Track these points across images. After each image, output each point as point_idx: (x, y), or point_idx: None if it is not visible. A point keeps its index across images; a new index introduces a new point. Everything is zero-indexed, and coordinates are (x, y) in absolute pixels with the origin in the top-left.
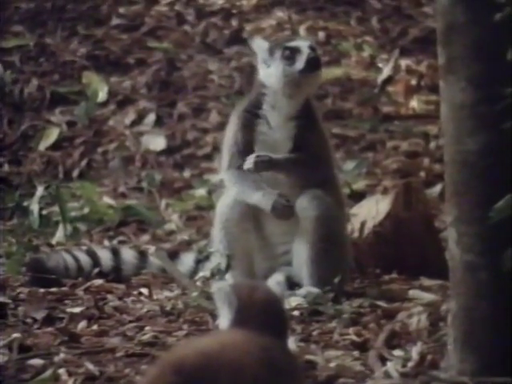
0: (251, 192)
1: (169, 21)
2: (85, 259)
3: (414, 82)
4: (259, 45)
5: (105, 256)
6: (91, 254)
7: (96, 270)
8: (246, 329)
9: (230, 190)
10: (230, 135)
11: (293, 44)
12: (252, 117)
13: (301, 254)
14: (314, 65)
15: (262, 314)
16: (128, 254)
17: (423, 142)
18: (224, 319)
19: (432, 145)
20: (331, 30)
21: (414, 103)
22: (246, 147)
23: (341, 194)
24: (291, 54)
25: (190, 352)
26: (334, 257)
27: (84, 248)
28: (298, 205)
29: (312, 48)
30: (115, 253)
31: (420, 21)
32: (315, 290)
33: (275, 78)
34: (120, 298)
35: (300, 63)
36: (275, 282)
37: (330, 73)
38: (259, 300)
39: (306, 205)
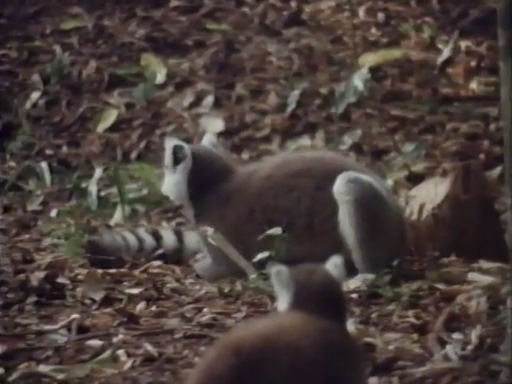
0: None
1: (227, 2)
2: (149, 240)
3: (473, 63)
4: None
5: (168, 238)
6: (155, 235)
7: (159, 252)
8: (305, 311)
9: None
10: None
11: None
12: None
13: (349, 239)
14: None
15: (320, 297)
16: (191, 238)
17: (483, 124)
18: (282, 302)
19: (492, 127)
20: (391, 10)
21: (474, 85)
22: None
23: None
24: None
25: (249, 334)
26: (382, 237)
27: (149, 229)
28: (334, 190)
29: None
30: (179, 236)
31: (480, 1)
32: (371, 276)
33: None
34: (178, 280)
35: None
36: (333, 264)
37: (389, 54)
38: (317, 283)
39: (341, 189)
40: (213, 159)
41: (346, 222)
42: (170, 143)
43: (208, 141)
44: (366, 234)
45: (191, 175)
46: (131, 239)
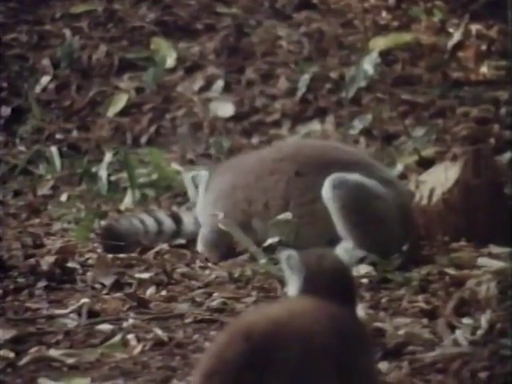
0: None
1: None
2: (168, 223)
3: (484, 47)
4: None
5: (188, 221)
6: (175, 218)
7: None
8: (315, 296)
9: None
10: None
11: None
12: None
13: (347, 239)
14: None
15: (330, 282)
16: None
17: (493, 108)
18: (292, 287)
19: (502, 111)
20: None
21: (485, 69)
22: None
23: None
24: None
25: (260, 319)
26: (378, 232)
27: (168, 212)
28: (322, 192)
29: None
30: (197, 219)
31: None
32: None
33: None
34: (187, 265)
35: None
36: (343, 249)
37: (399, 38)
38: (328, 267)
39: (328, 195)
40: None
41: (339, 225)
42: None
43: None
44: (360, 234)
45: None
46: (150, 222)
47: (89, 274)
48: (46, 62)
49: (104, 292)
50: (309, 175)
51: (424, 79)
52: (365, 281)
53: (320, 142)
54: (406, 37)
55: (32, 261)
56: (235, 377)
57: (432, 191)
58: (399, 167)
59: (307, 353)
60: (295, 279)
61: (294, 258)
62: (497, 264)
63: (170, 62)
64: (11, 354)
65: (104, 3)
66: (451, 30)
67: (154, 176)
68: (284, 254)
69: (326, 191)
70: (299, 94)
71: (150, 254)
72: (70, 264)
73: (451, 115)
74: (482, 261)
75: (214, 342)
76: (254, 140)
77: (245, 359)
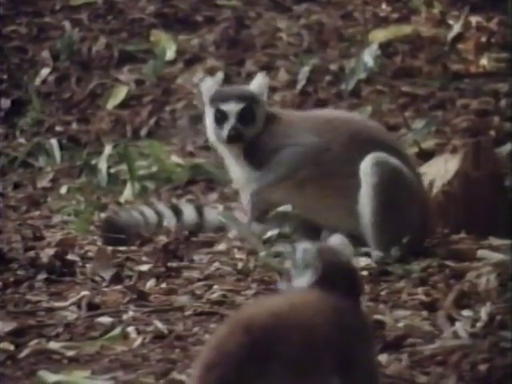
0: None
1: None
2: (168, 215)
3: (484, 39)
4: (207, 87)
5: (189, 213)
6: (175, 210)
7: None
8: (323, 289)
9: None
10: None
11: (224, 108)
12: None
13: (364, 217)
14: (234, 139)
15: (343, 276)
16: (211, 213)
17: (493, 100)
18: (302, 280)
19: (502, 103)
20: None
21: (485, 61)
22: None
23: None
24: (221, 118)
25: (261, 312)
26: (396, 221)
27: (167, 204)
28: (361, 168)
29: (241, 113)
30: (199, 211)
31: None
32: (380, 254)
33: (208, 129)
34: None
35: (224, 132)
36: (341, 242)
37: (399, 30)
38: (341, 262)
39: (367, 170)
40: None
41: (364, 202)
42: None
43: None
44: (381, 217)
45: None
46: (150, 214)
47: (89, 266)
48: (45, 54)
49: (104, 284)
50: (333, 149)
51: (424, 71)
52: (365, 273)
53: (366, 119)
54: (406, 29)
55: (32, 253)
56: (236, 369)
57: (432, 183)
58: None
59: (308, 345)
60: (308, 272)
61: (310, 252)
62: (497, 256)
63: (170, 54)
64: (11, 347)
65: None
66: (451, 22)
67: (154, 168)
68: (301, 247)
69: (366, 166)
70: (299, 86)
71: (150, 247)
72: (70, 256)
73: (451, 107)
74: (482, 253)
75: (215, 334)
76: None
77: (245, 351)
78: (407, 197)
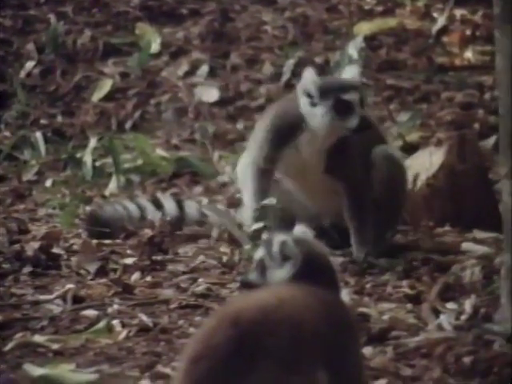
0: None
1: None
2: (150, 208)
3: (469, 32)
4: (311, 79)
5: (170, 206)
6: (156, 204)
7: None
8: (303, 283)
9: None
10: (263, 130)
11: (346, 97)
12: (285, 134)
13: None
14: (365, 126)
15: (320, 268)
16: (191, 206)
17: (478, 93)
18: (281, 273)
19: (487, 96)
20: None
21: (469, 54)
22: (272, 154)
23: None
24: (344, 109)
25: (248, 305)
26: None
27: (149, 197)
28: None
29: (361, 100)
30: (180, 204)
31: None
32: (361, 255)
33: (321, 123)
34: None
35: (353, 122)
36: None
37: (384, 23)
38: (318, 254)
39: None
40: None
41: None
42: None
43: None
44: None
45: None
46: (132, 208)
47: (74, 259)
48: (30, 46)
49: (89, 278)
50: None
51: (409, 64)
52: (349, 266)
53: None
54: (391, 22)
55: (17, 246)
56: (223, 362)
57: (417, 176)
58: None
59: (296, 339)
60: (287, 265)
61: (289, 245)
62: (481, 249)
63: (155, 47)
64: None
65: None
66: (436, 15)
67: (139, 161)
68: (277, 240)
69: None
70: (284, 78)
71: (134, 240)
72: (55, 250)
73: (436, 100)
74: (466, 246)
75: (201, 327)
76: (239, 125)
77: (233, 345)
78: (405, 189)
